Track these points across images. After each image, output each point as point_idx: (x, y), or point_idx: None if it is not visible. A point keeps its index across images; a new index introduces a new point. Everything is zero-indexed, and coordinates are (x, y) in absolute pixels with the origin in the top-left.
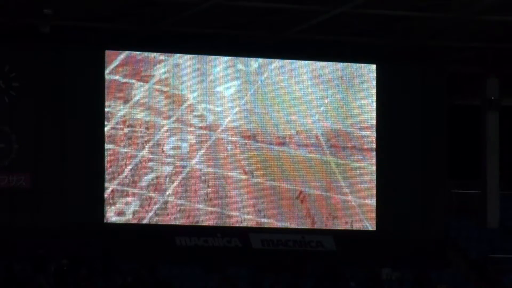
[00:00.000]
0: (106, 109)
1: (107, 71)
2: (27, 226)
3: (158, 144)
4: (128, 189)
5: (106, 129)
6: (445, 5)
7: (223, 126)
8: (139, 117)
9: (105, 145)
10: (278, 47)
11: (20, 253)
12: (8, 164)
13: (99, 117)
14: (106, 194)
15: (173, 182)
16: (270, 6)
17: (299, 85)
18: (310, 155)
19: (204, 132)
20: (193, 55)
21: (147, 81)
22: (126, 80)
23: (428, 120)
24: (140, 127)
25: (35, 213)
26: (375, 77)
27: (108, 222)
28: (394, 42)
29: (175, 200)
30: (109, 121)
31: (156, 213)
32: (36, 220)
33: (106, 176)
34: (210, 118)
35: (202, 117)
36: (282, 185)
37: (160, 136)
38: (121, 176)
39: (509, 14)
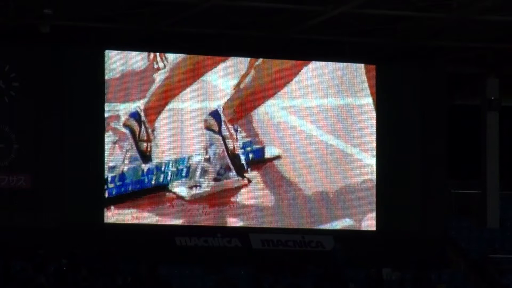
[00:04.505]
0: (106, 109)
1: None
2: (27, 226)
3: (158, 144)
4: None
5: (106, 129)
6: (445, 5)
7: (223, 126)
8: (139, 117)
9: (105, 144)
10: (278, 47)
11: (20, 253)
12: (8, 164)
13: (99, 117)
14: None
15: (172, 183)
16: (270, 6)
17: (298, 85)
18: (309, 156)
19: (205, 131)
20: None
21: (149, 82)
22: (128, 80)
23: (428, 120)
24: (141, 128)
25: (35, 213)
26: (374, 77)
27: (108, 222)
28: (394, 42)
29: (176, 199)
30: (108, 120)
31: (156, 213)
32: (36, 220)
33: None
34: (210, 118)
35: (201, 117)
36: (281, 185)
37: (161, 136)
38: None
39: (509, 14)
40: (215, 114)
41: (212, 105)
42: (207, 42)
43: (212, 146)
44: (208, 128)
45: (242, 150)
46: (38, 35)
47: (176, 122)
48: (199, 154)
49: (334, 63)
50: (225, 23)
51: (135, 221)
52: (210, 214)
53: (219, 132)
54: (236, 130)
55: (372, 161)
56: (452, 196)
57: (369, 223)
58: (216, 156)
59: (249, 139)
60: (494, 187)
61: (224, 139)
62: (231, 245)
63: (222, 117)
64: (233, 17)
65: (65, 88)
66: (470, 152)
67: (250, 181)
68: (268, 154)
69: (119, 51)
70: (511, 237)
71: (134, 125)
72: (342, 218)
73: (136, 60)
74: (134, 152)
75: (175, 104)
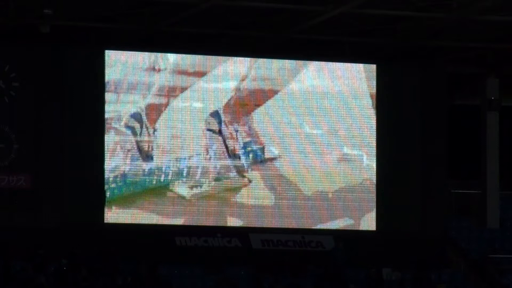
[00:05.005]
0: (107, 109)
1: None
2: (27, 226)
3: (159, 144)
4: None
5: (106, 129)
6: (445, 5)
7: (223, 126)
8: (140, 118)
9: (105, 145)
10: (278, 47)
11: (20, 253)
12: (8, 164)
13: (99, 117)
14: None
15: (172, 183)
16: (270, 6)
17: (298, 86)
18: (309, 156)
19: (205, 132)
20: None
21: (150, 82)
22: (128, 80)
23: (428, 120)
24: (142, 128)
25: (35, 213)
26: (374, 77)
27: (108, 222)
28: (394, 42)
29: (176, 199)
30: (109, 121)
31: (156, 213)
32: (36, 220)
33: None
34: (210, 119)
35: (202, 118)
36: (281, 185)
37: (161, 136)
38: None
39: (509, 14)
40: (215, 115)
41: (213, 105)
42: (207, 42)
43: (213, 146)
44: (209, 128)
45: (242, 150)
46: (38, 35)
47: (177, 122)
48: (200, 154)
49: (334, 63)
50: (225, 23)
51: (135, 221)
52: (210, 214)
53: (220, 132)
54: (237, 131)
55: (372, 161)
56: (452, 196)
57: (369, 223)
58: (217, 156)
59: (249, 139)
60: (494, 187)
61: (224, 139)
62: (231, 245)
63: (223, 118)
64: (233, 17)
65: (65, 88)
66: (470, 152)
67: (250, 181)
68: (268, 154)
69: (119, 51)
70: (511, 237)
71: (135, 125)
72: (342, 218)
73: (136, 60)
74: (135, 152)
75: (175, 104)
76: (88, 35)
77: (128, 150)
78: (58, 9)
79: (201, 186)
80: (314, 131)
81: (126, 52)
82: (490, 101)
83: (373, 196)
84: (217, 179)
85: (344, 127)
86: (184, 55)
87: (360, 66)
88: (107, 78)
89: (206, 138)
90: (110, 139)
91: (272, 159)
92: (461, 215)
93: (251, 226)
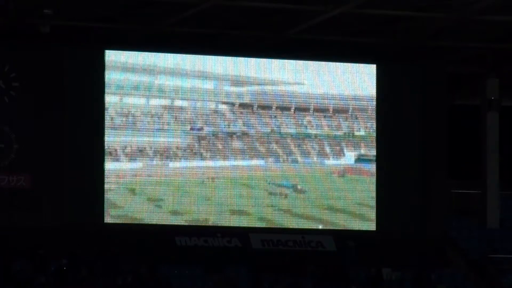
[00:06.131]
0: (107, 109)
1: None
2: (27, 226)
3: (158, 147)
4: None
5: (106, 129)
6: (445, 5)
7: (223, 129)
8: (140, 117)
9: (105, 144)
10: (278, 47)
11: (20, 253)
12: (8, 164)
13: (99, 117)
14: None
15: (173, 183)
16: (270, 6)
17: (298, 85)
18: (309, 155)
19: (205, 132)
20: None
21: (150, 82)
22: (128, 80)
23: (428, 120)
24: (140, 128)
25: (35, 213)
26: (374, 77)
27: (108, 222)
28: (394, 42)
29: (176, 199)
30: (109, 121)
31: (156, 212)
32: (36, 220)
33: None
34: (210, 120)
35: (203, 118)
36: (282, 185)
37: (162, 136)
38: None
39: (509, 14)
40: (216, 115)
41: (213, 105)
42: (207, 42)
43: (213, 146)
44: (209, 128)
45: (243, 150)
46: (38, 35)
47: (177, 122)
48: (200, 154)
49: (334, 63)
50: (225, 23)
51: (135, 221)
52: (210, 214)
53: (220, 132)
54: (237, 131)
55: (372, 161)
56: (452, 196)
57: (369, 223)
58: (217, 156)
59: (249, 139)
60: (494, 187)
61: (225, 139)
62: (231, 245)
63: (223, 118)
64: (233, 17)
65: (65, 88)
66: (470, 152)
67: (250, 181)
68: (268, 154)
69: (119, 51)
70: (511, 237)
71: (135, 125)
72: (342, 218)
73: (136, 60)
74: (135, 152)
75: (175, 105)
76: (88, 35)
77: (128, 150)
78: (58, 9)
79: (201, 186)
80: (314, 131)
81: (126, 52)
82: (490, 101)
83: (373, 196)
84: (217, 179)
85: (344, 127)
86: (184, 55)
87: (360, 66)
88: (107, 78)
89: (206, 138)
90: (110, 139)
91: (272, 159)
92: (461, 215)
93: (251, 226)
